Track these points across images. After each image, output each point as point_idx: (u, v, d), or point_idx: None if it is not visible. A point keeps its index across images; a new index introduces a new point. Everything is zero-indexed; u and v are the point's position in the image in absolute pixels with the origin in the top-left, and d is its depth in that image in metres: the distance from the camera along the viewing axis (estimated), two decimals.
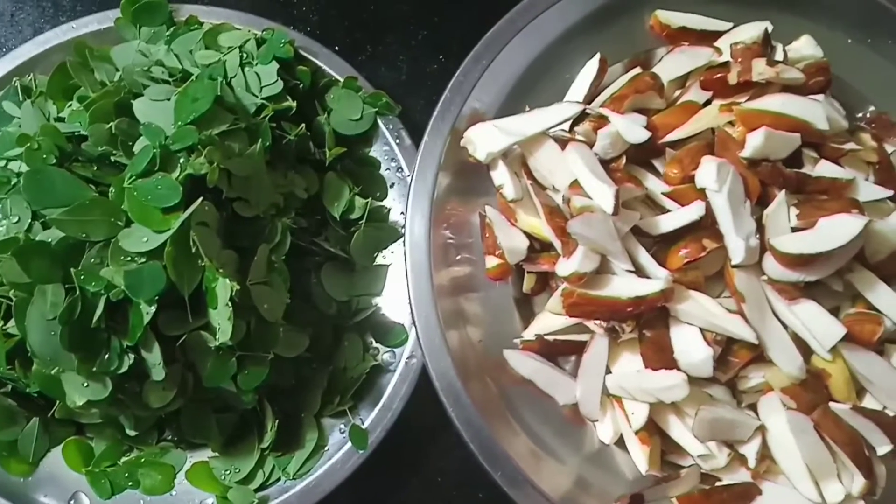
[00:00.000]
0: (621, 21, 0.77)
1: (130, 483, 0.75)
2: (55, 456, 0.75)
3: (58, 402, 0.68)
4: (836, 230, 0.63)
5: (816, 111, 0.67)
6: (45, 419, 0.73)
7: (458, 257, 0.73)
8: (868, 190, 0.68)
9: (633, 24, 0.77)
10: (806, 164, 0.70)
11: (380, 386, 0.78)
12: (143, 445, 0.76)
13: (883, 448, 0.64)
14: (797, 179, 0.67)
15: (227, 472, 0.75)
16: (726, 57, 0.73)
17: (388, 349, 0.79)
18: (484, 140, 0.71)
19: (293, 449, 0.76)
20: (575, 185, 0.67)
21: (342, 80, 0.84)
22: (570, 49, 0.77)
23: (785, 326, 0.66)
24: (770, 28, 0.72)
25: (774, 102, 0.68)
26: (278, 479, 0.75)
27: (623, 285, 0.65)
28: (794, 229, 0.66)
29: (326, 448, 0.76)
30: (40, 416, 0.73)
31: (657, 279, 0.65)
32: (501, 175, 0.71)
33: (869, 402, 0.67)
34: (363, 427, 0.75)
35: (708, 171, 0.65)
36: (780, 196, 0.66)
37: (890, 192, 0.68)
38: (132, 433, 0.72)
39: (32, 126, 0.76)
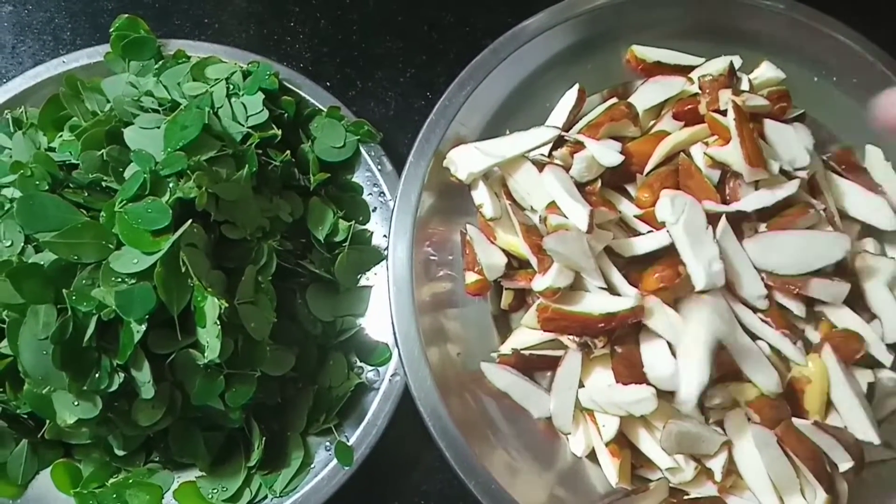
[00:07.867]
0: (599, 54, 0.80)
1: None
2: (44, 478, 0.75)
3: (48, 422, 0.67)
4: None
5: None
6: (34, 441, 0.73)
7: (440, 274, 0.74)
8: None
9: (610, 58, 0.80)
10: None
11: (364, 404, 0.78)
12: (131, 466, 0.76)
13: (844, 464, 0.65)
14: None
15: (215, 490, 0.74)
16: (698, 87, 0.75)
17: (372, 368, 0.80)
18: (466, 161, 0.73)
19: (280, 467, 0.76)
20: (551, 205, 0.69)
21: (325, 109, 0.85)
22: (550, 79, 0.79)
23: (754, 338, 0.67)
24: (737, 62, 0.75)
25: None
26: (265, 497, 0.75)
27: (595, 302, 0.66)
28: None
29: (312, 465, 0.76)
30: (29, 438, 0.73)
31: (628, 297, 0.66)
32: (482, 195, 0.73)
33: (834, 420, 0.68)
34: (348, 444, 0.76)
35: (664, 205, 0.67)
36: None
37: None
38: (120, 453, 0.72)
39: (24, 156, 0.76)
